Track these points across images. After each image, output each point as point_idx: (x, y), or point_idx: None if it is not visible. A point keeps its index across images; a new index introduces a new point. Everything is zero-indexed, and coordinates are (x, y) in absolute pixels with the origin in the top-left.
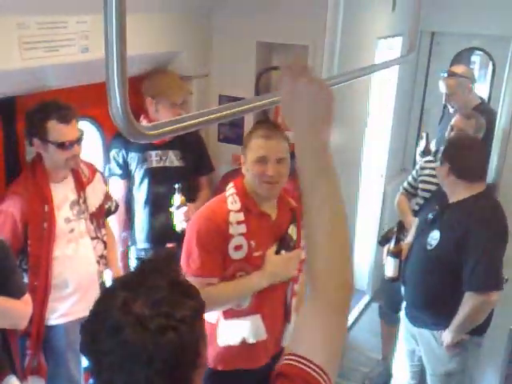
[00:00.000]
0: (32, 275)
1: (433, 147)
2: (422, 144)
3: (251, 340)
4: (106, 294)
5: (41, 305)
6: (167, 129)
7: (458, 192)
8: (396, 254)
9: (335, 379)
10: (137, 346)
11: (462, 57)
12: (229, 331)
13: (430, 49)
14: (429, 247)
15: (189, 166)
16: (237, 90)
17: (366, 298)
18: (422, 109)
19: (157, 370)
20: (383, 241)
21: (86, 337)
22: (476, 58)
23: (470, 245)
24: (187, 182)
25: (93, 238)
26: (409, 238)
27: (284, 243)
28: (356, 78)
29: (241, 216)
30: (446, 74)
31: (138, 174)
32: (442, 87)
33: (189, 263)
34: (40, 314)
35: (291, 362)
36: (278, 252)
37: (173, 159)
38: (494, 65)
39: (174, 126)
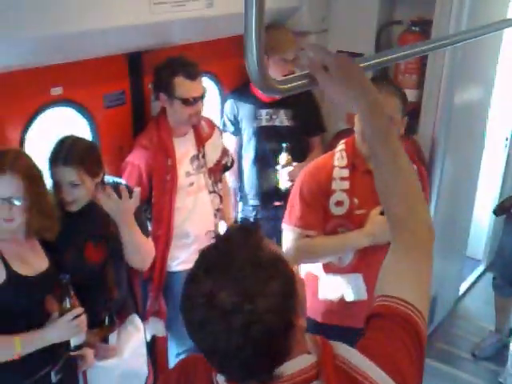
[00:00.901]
0: (155, 224)
1: None
2: None
3: (350, 298)
4: (193, 279)
5: (163, 252)
6: (296, 83)
7: None
8: None
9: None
10: (224, 338)
11: None
12: (329, 286)
13: None
14: None
15: (300, 125)
16: (356, 45)
17: (481, 268)
18: None
19: (244, 355)
20: (499, 210)
21: (185, 322)
22: None
23: None
24: (298, 142)
25: (210, 192)
26: None
27: None
28: (486, 34)
29: (345, 172)
30: None
31: (247, 131)
32: None
33: (290, 214)
34: (162, 260)
35: (385, 303)
36: (383, 213)
37: (283, 118)
38: None
39: (302, 82)
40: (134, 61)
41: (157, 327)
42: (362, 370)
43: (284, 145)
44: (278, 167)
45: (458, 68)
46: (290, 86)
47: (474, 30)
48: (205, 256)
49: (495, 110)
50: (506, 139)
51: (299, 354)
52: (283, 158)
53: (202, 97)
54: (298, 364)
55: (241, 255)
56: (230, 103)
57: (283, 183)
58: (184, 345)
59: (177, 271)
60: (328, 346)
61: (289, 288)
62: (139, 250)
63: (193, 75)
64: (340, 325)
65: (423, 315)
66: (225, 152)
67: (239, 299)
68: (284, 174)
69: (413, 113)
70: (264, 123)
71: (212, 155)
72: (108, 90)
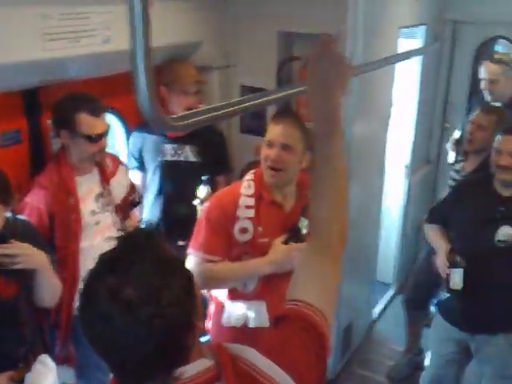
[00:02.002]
0: (60, 267)
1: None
2: (457, 134)
3: (252, 324)
4: (94, 278)
5: (69, 296)
6: (193, 120)
7: None
8: (456, 263)
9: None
10: (128, 333)
11: (487, 47)
12: (232, 312)
13: (452, 38)
14: (501, 245)
15: (205, 162)
16: (258, 80)
17: (391, 291)
18: (445, 100)
19: (146, 351)
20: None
21: (82, 323)
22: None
23: None
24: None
25: (119, 230)
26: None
27: (293, 235)
28: (379, 67)
29: (251, 201)
30: (489, 59)
31: (151, 166)
32: (484, 73)
33: (195, 239)
34: (69, 304)
35: (291, 307)
36: (286, 242)
37: (189, 154)
38: None
39: (201, 117)
40: (30, 97)
41: (66, 375)
42: (266, 372)
43: (203, 177)
44: (196, 201)
45: (355, 101)
46: (186, 122)
47: (367, 64)
48: (107, 256)
49: (393, 140)
50: (406, 167)
51: (197, 357)
52: (203, 190)
53: (105, 133)
54: (196, 367)
55: (144, 253)
56: (134, 138)
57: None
58: None
59: None
60: (224, 349)
61: (190, 286)
62: (53, 289)
63: (96, 111)
64: None
65: (326, 317)
66: (132, 188)
67: (144, 292)
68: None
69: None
70: (169, 158)
71: (118, 192)
72: (2, 128)
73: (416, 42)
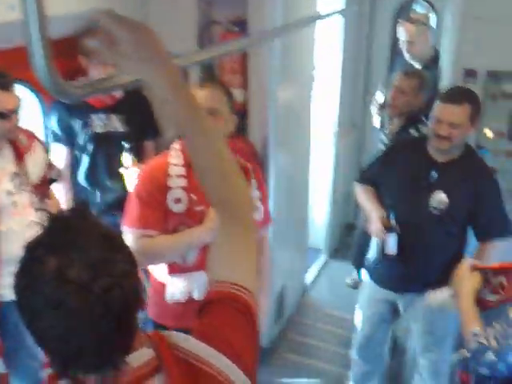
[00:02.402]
0: None
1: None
2: (381, 98)
3: (197, 296)
4: (32, 261)
5: None
6: (98, 87)
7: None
8: (391, 228)
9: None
10: (83, 313)
11: (406, 8)
12: (175, 287)
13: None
14: (435, 211)
15: (134, 130)
16: (177, 45)
17: (323, 257)
18: (367, 62)
19: (105, 330)
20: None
21: (25, 314)
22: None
23: (486, 196)
24: (134, 148)
25: (37, 210)
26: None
27: None
28: (299, 27)
29: (181, 170)
30: (404, 19)
31: (81, 139)
32: (401, 33)
33: (129, 216)
34: None
35: (217, 289)
36: None
37: (117, 124)
38: (437, 16)
39: (105, 84)
40: None
41: None
42: (205, 358)
43: (125, 145)
44: (122, 169)
45: (278, 66)
46: (89, 89)
47: (287, 25)
48: (41, 239)
49: (320, 106)
50: (333, 132)
51: (139, 346)
52: (127, 158)
53: (17, 108)
54: (139, 357)
55: (82, 231)
56: (56, 112)
57: (131, 186)
58: (28, 379)
59: (10, 301)
60: (163, 337)
61: (134, 260)
62: None
63: (5, 85)
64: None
65: (251, 292)
66: (49, 165)
67: (92, 269)
68: (131, 176)
69: (242, 112)
70: (98, 130)
71: (35, 170)
72: None
73: (338, 3)
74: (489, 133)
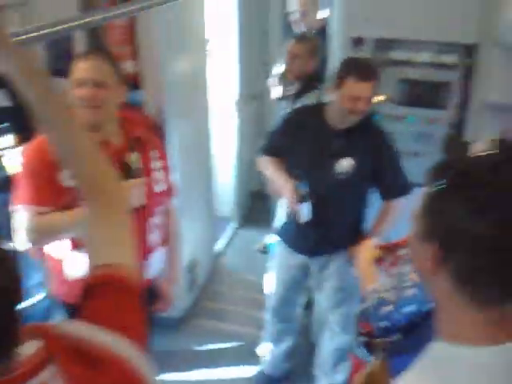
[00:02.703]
0: None
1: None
2: (280, 68)
3: None
4: None
5: None
6: None
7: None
8: (303, 197)
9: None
10: None
11: None
12: (77, 263)
13: None
14: (342, 176)
15: (20, 104)
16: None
17: (232, 225)
18: (263, 33)
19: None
20: None
21: None
22: None
23: (387, 157)
24: (22, 124)
25: None
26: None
27: (125, 171)
28: None
29: None
30: None
31: None
32: (293, 4)
33: (20, 194)
34: None
35: (96, 272)
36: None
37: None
38: None
39: None
40: None
41: None
42: (97, 342)
43: (3, 125)
44: (1, 152)
45: (167, 36)
46: None
47: None
48: None
49: (219, 77)
50: (235, 103)
51: (27, 339)
52: (5, 139)
53: None
54: (27, 350)
55: None
56: None
57: (12, 168)
58: None
59: None
60: (51, 328)
61: (14, 274)
62: None
63: None
64: None
65: (135, 270)
66: None
67: None
68: (12, 157)
69: (134, 84)
70: None
71: None
72: None
73: None
74: (380, 98)
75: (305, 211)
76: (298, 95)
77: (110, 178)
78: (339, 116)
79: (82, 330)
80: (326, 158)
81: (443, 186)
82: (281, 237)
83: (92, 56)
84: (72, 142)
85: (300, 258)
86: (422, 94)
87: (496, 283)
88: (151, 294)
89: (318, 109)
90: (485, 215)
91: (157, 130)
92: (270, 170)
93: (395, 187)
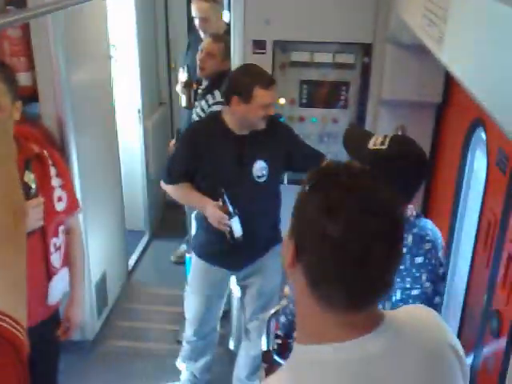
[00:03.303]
0: None
1: (184, 77)
2: (183, 76)
3: None
4: None
5: None
6: None
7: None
8: (231, 213)
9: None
10: None
11: None
12: None
13: None
14: (260, 179)
15: None
16: None
17: (145, 238)
18: (167, 38)
19: None
20: None
21: None
22: None
23: (294, 143)
24: None
25: None
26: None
27: (24, 191)
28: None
29: None
30: None
31: None
32: (194, 11)
33: None
34: None
35: None
36: None
37: None
38: None
39: None
40: None
41: None
42: None
43: None
44: None
45: (64, 43)
46: None
47: None
48: None
49: (123, 83)
50: (139, 111)
51: None
52: None
53: None
54: None
55: None
56: None
57: None
58: None
59: None
60: None
61: None
62: None
63: None
64: None
65: (20, 323)
66: None
67: None
68: None
69: (31, 96)
70: None
71: None
72: None
73: None
74: (282, 100)
75: (237, 227)
76: (206, 92)
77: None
78: (246, 124)
79: None
80: (240, 166)
81: (308, 186)
82: (199, 253)
83: None
84: None
85: (222, 272)
86: (323, 95)
87: (342, 289)
88: (55, 319)
89: (215, 119)
90: (332, 216)
91: (55, 144)
92: (184, 196)
93: (311, 163)
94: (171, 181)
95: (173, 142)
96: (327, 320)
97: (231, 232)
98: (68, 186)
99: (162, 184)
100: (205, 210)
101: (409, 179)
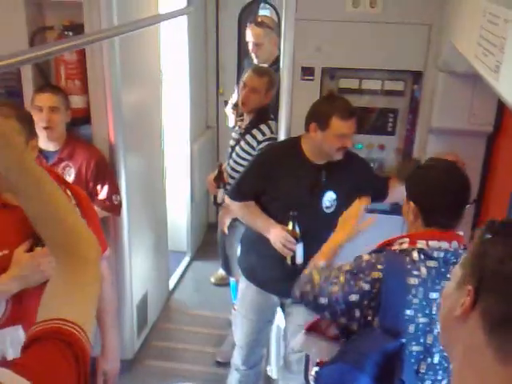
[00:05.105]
0: None
1: (236, 98)
2: (235, 97)
3: (12, 354)
4: None
5: None
6: None
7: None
8: (297, 238)
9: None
10: None
11: (250, 9)
12: None
13: (216, 1)
14: (328, 210)
15: None
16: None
17: (186, 259)
18: (217, 64)
19: None
20: None
21: None
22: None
23: (366, 173)
24: None
25: None
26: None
27: (38, 238)
28: (138, 28)
29: None
30: (253, 23)
31: None
32: (249, 36)
33: None
34: None
35: (44, 327)
36: (31, 249)
37: None
38: (279, 19)
39: None
40: None
41: None
42: None
43: None
44: None
45: (118, 68)
46: None
47: (125, 25)
48: None
49: (172, 109)
50: (187, 135)
51: None
52: None
53: None
54: None
55: None
56: None
57: None
58: None
59: None
60: None
61: None
62: None
63: None
64: None
65: (86, 332)
66: None
67: None
68: None
69: (84, 119)
70: None
71: None
72: None
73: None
74: None
75: (300, 252)
76: (251, 127)
77: (84, 238)
78: (322, 153)
79: (11, 380)
80: (311, 194)
81: (489, 234)
82: (249, 277)
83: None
84: (51, 206)
85: (272, 298)
86: (370, 121)
87: None
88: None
89: (293, 144)
90: None
91: (106, 166)
92: (247, 213)
93: (381, 183)
94: (239, 198)
95: (212, 176)
96: (503, 378)
97: (293, 257)
98: (94, 225)
99: (227, 200)
100: (270, 231)
101: None
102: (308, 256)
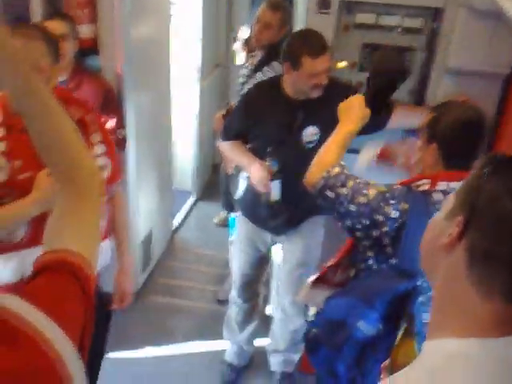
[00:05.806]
0: None
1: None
2: (245, 33)
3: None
4: None
5: None
6: None
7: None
8: (274, 175)
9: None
10: None
11: None
12: (2, 268)
13: None
14: (310, 145)
15: None
16: None
17: (192, 198)
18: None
19: None
20: None
21: None
22: None
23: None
24: None
25: None
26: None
27: None
28: None
29: (0, 131)
30: None
31: None
32: None
33: None
34: None
35: (51, 256)
36: None
37: None
38: None
39: None
40: None
41: None
42: (26, 318)
43: None
44: None
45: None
46: None
47: None
48: None
49: (182, 44)
50: (197, 71)
51: None
52: None
53: None
54: None
55: None
56: None
57: None
58: None
59: None
60: None
61: None
62: None
63: None
64: None
65: (89, 261)
66: None
67: None
68: None
69: (92, 48)
70: None
71: None
72: None
73: None
74: (343, 64)
75: (276, 189)
76: (262, 64)
77: (86, 167)
78: (300, 91)
79: (18, 306)
80: (291, 130)
81: (487, 168)
82: (245, 213)
83: (28, 33)
84: (55, 131)
85: (265, 234)
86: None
87: (509, 277)
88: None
89: (276, 83)
90: None
91: (113, 98)
92: (234, 153)
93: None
94: (226, 137)
95: (220, 114)
96: (482, 311)
97: (269, 194)
98: (112, 152)
99: (219, 141)
100: (249, 168)
101: None
102: (289, 193)
